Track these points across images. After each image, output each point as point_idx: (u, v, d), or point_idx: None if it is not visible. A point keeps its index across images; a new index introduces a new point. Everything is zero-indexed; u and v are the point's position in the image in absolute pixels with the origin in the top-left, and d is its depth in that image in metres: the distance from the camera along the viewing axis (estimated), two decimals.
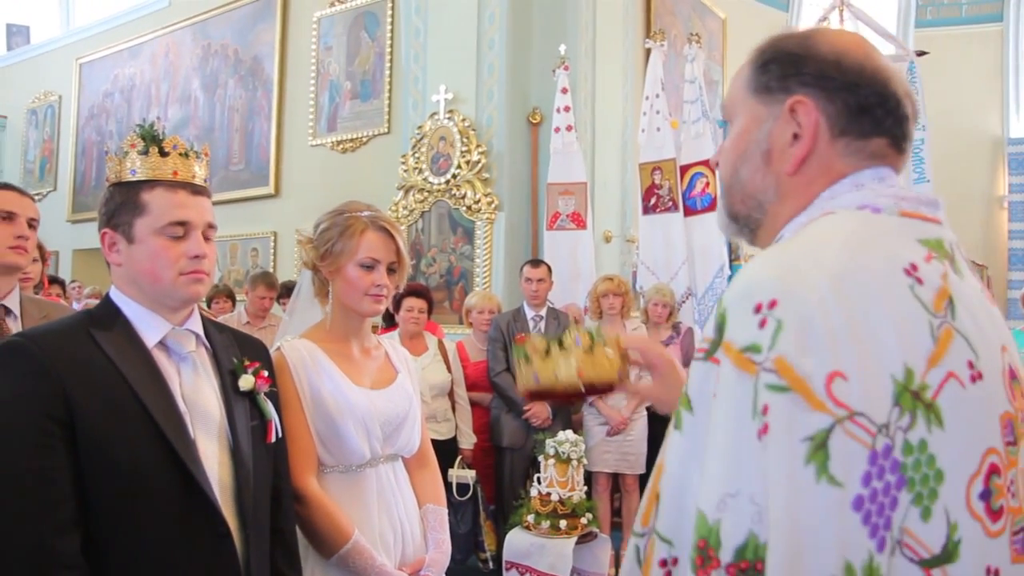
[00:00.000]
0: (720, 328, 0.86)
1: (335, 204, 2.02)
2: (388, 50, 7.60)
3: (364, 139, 7.78)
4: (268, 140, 8.62)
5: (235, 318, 5.77)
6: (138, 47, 10.29)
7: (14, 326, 2.17)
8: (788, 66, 1.01)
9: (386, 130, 7.59)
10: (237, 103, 9.02)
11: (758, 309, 0.83)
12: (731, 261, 6.26)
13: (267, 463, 1.63)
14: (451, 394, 4.74)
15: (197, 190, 1.56)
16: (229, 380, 1.59)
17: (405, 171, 6.55)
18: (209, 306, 6.19)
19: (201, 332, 1.60)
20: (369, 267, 1.91)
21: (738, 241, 1.30)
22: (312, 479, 1.83)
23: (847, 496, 0.77)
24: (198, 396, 1.52)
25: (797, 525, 0.76)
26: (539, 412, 4.76)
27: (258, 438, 1.61)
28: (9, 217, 2.16)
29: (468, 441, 4.75)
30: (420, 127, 6.47)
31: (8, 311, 2.22)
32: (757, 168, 1.04)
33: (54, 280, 6.19)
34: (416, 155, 6.49)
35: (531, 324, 4.96)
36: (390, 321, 5.51)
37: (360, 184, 7.42)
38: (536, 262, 5.24)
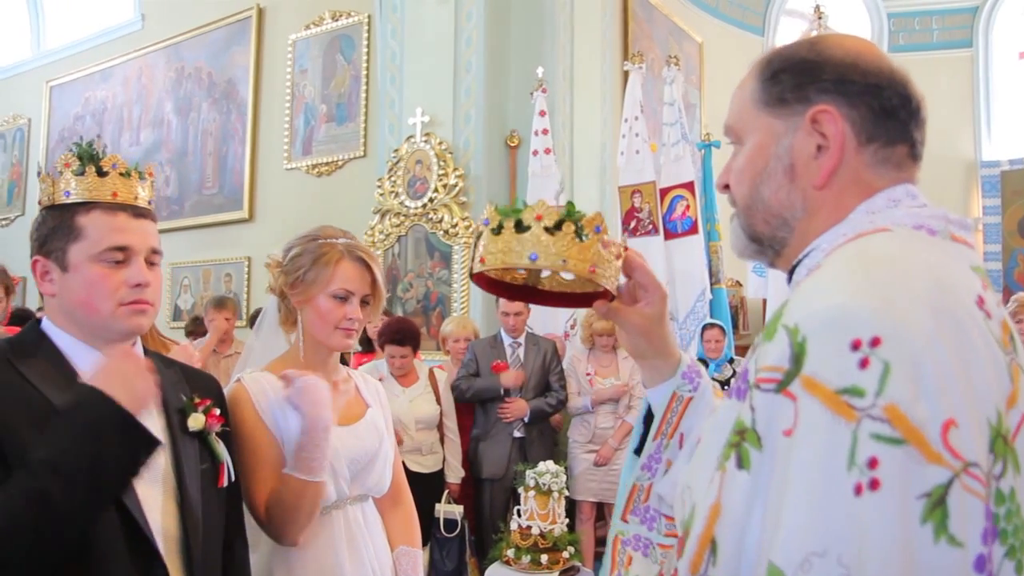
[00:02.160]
0: (798, 359, 0.77)
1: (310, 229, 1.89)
2: (364, 73, 7.52)
3: (340, 162, 7.67)
4: (242, 164, 8.48)
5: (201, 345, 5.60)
6: (110, 70, 10.13)
7: None
8: (803, 74, 0.95)
9: (362, 153, 7.49)
10: (211, 126, 8.87)
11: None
12: (712, 285, 6.21)
13: (218, 510, 1.50)
14: (440, 426, 4.60)
15: (139, 212, 1.44)
16: (177, 419, 1.46)
17: (381, 195, 6.45)
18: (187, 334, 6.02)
19: None
20: (343, 299, 1.79)
21: (758, 261, 1.15)
22: None
23: (968, 557, 0.71)
24: None
25: None
26: (515, 410, 4.64)
27: (209, 482, 1.47)
28: None
29: (456, 475, 4.61)
30: (396, 150, 6.39)
31: None
32: (780, 185, 0.97)
33: (21, 316, 5.77)
34: (392, 179, 6.40)
35: (509, 351, 4.84)
36: (368, 347, 5.38)
37: (336, 208, 7.31)
38: None
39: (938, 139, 10.24)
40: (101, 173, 1.41)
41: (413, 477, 4.38)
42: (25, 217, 11.17)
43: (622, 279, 1.16)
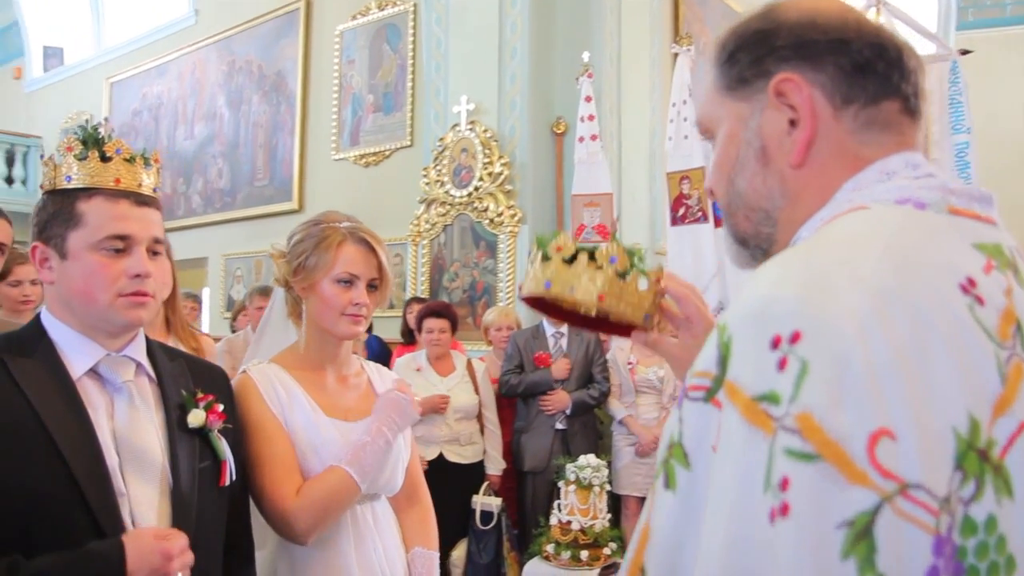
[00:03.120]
0: (724, 361, 0.66)
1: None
2: (410, 62, 7.48)
3: (387, 152, 7.66)
4: (292, 155, 8.55)
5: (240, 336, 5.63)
6: (165, 65, 10.32)
7: None
8: (759, 47, 0.85)
9: (409, 143, 7.46)
10: (261, 118, 8.96)
11: (776, 343, 0.62)
12: None
13: (218, 510, 1.44)
14: (479, 416, 4.54)
15: (143, 200, 1.38)
16: (176, 415, 1.40)
17: (427, 184, 6.40)
18: (236, 318, 6.05)
19: (144, 359, 1.42)
20: (347, 283, 1.71)
21: (752, 267, 0.97)
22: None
23: None
24: (133, 433, 1.33)
25: None
26: (557, 402, 4.55)
27: (208, 481, 1.41)
28: None
29: (496, 467, 4.55)
30: (442, 139, 6.33)
31: None
32: (755, 173, 0.86)
33: None
34: (438, 167, 6.34)
35: (551, 341, 4.75)
36: (409, 338, 5.35)
37: (383, 198, 7.30)
38: None
39: (1010, 119, 9.79)
40: (104, 158, 1.35)
41: (452, 468, 4.39)
42: None
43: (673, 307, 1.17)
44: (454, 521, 4.18)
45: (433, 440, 4.33)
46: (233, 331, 5.96)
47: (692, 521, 0.67)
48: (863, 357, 0.60)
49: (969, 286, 0.68)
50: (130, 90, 10.92)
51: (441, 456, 4.34)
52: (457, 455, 4.39)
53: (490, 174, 6.03)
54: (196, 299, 6.30)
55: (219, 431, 1.45)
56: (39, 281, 3.28)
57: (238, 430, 1.55)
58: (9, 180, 11.91)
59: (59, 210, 1.34)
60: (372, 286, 1.76)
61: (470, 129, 6.14)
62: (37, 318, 1.38)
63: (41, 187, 1.40)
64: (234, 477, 1.47)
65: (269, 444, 1.63)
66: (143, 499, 1.30)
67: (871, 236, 0.70)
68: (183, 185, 9.83)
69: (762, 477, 0.60)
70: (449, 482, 4.11)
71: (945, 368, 0.63)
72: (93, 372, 1.34)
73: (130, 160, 1.38)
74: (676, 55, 6.11)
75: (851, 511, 0.57)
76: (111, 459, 1.28)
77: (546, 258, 1.14)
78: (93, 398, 1.32)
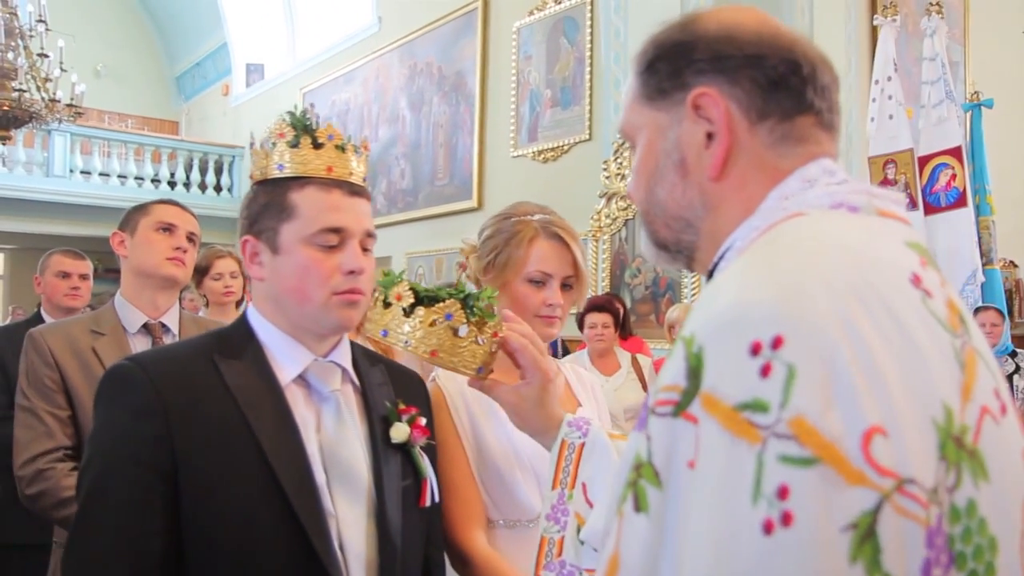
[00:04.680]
0: (695, 373, 0.65)
1: None
2: (588, 54, 7.36)
3: (565, 147, 7.59)
4: (471, 154, 8.67)
5: None
6: (352, 73, 10.80)
7: None
8: (678, 58, 0.85)
9: (587, 136, 7.35)
10: (441, 119, 9.17)
11: (756, 350, 0.62)
12: (984, 265, 5.40)
13: (419, 534, 1.33)
14: None
15: (355, 190, 1.28)
16: (380, 429, 1.30)
17: (607, 178, 6.27)
18: None
19: (349, 366, 1.33)
20: (540, 283, 1.59)
21: (674, 267, 1.05)
22: (480, 535, 1.52)
23: None
24: (341, 448, 1.24)
25: None
26: None
27: (409, 502, 1.30)
28: (169, 229, 2.14)
29: None
30: None
31: (166, 329, 2.17)
32: (674, 184, 0.87)
33: None
34: (619, 160, 6.20)
35: None
36: None
37: (561, 193, 7.23)
38: None
39: None
40: (316, 145, 1.26)
41: None
42: None
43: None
44: None
45: None
46: None
47: (668, 543, 0.65)
48: (848, 356, 0.61)
49: (916, 281, 0.71)
50: (321, 98, 11.54)
51: None
52: None
53: None
54: None
55: (421, 447, 1.35)
56: (238, 274, 3.47)
57: (434, 446, 1.45)
58: (217, 188, 12.97)
59: (271, 201, 1.25)
60: (567, 285, 1.64)
61: None
62: (244, 317, 1.32)
63: (251, 177, 1.32)
64: (437, 498, 1.37)
65: (450, 468, 1.53)
66: (351, 520, 1.21)
67: (822, 238, 0.72)
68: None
69: (749, 488, 0.59)
70: None
71: (918, 359, 0.64)
72: (300, 379, 1.26)
73: (341, 147, 1.28)
74: (876, 29, 5.63)
75: (854, 512, 0.58)
76: (319, 475, 1.20)
77: (387, 304, 1.19)
78: (300, 408, 1.24)
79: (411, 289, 1.20)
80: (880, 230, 0.76)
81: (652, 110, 0.88)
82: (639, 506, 0.68)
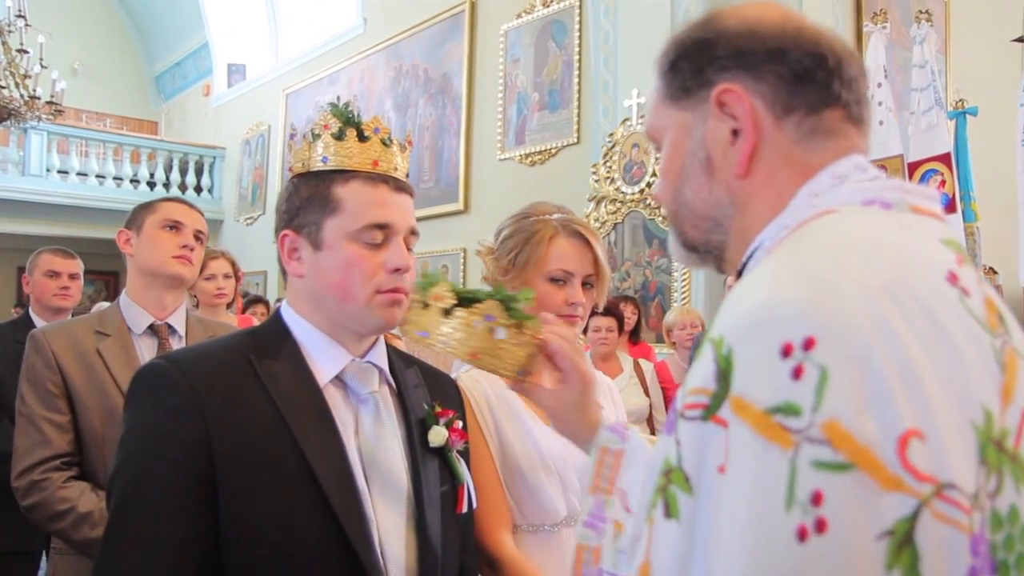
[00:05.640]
0: (725, 376, 0.63)
1: None
2: (576, 57, 7.36)
3: (553, 150, 7.58)
4: (457, 156, 8.63)
5: None
6: (336, 74, 10.72)
7: (178, 348, 2.06)
8: (700, 56, 0.85)
9: (575, 140, 7.34)
10: (427, 121, 9.12)
11: (787, 352, 0.60)
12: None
13: (456, 540, 1.29)
14: (650, 419, 4.38)
15: (400, 186, 1.24)
16: (418, 432, 1.26)
17: (596, 181, 6.27)
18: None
19: (386, 366, 1.29)
20: (561, 281, 1.57)
21: (704, 268, 1.00)
22: (508, 538, 1.50)
23: None
24: (380, 452, 1.20)
25: None
26: None
27: (448, 508, 1.26)
28: (175, 227, 2.10)
29: None
30: (611, 135, 6.18)
31: (173, 330, 2.11)
32: (701, 183, 0.86)
33: (258, 299, 6.32)
34: (608, 164, 6.20)
35: None
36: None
37: (550, 197, 7.04)
38: None
39: None
40: (362, 138, 1.22)
41: None
42: (266, 216, 12.15)
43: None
44: None
45: None
46: None
47: (699, 550, 0.64)
48: (882, 357, 0.59)
49: (953, 279, 0.69)
50: (304, 99, 11.44)
51: None
52: None
53: None
54: None
55: (458, 451, 1.31)
56: (231, 275, 3.42)
57: (467, 450, 1.41)
58: (198, 189, 12.82)
59: (314, 194, 1.20)
60: (587, 283, 1.62)
61: (641, 123, 5.94)
62: (277, 314, 1.27)
63: (290, 169, 1.28)
64: (474, 505, 1.33)
65: (477, 470, 1.49)
66: (390, 528, 1.18)
67: (854, 235, 0.71)
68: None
69: (782, 494, 0.58)
70: None
71: (956, 360, 0.62)
72: (338, 380, 1.22)
73: (386, 142, 1.24)
74: (866, 35, 5.67)
75: (890, 519, 0.56)
76: (360, 481, 1.16)
77: (425, 305, 1.16)
78: (339, 410, 1.20)
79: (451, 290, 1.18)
80: (914, 227, 0.75)
81: (677, 110, 0.88)
82: (669, 512, 0.67)
